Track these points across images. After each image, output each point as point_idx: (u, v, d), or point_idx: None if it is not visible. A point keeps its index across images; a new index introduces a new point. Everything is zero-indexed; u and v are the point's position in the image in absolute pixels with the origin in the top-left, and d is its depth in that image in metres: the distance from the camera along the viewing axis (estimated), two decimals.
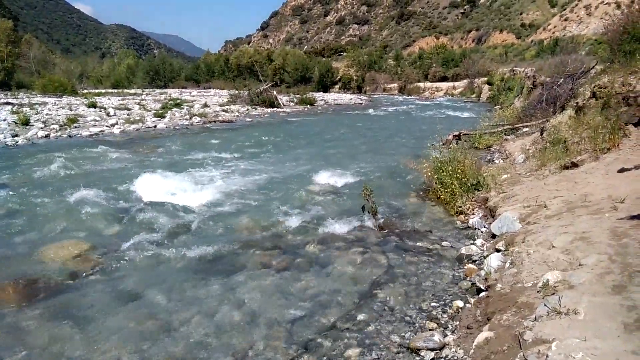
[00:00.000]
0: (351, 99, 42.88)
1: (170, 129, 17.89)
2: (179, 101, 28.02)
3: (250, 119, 22.79)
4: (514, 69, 31.80)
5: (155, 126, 18.24)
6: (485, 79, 43.07)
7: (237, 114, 24.40)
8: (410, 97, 50.24)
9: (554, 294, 3.01)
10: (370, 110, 30.02)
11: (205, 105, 26.51)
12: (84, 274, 4.81)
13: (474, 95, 44.28)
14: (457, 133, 12.73)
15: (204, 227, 6.24)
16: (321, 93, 50.33)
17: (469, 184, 7.00)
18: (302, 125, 21.08)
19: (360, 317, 3.98)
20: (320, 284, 4.64)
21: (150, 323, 3.91)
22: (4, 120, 16.32)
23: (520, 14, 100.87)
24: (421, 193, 7.87)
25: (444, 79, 59.14)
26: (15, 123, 15.84)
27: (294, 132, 18.00)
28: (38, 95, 30.81)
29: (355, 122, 22.18)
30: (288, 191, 7.97)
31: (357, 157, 11.38)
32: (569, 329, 2.55)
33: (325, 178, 8.91)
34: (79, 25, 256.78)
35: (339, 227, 6.21)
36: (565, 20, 77.96)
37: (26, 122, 16.00)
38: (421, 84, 57.13)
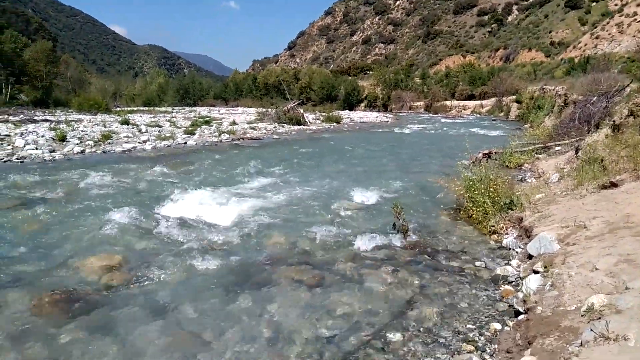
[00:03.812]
0: (377, 117, 42.92)
1: (200, 146, 18.21)
2: (208, 119, 28.59)
3: (278, 137, 23.02)
4: (544, 87, 31.32)
5: (185, 143, 18.61)
6: (514, 97, 42.54)
7: (264, 131, 24.70)
8: (436, 115, 49.91)
9: (600, 318, 2.88)
10: (397, 129, 29.94)
11: (234, 123, 26.95)
12: (118, 287, 4.87)
13: (502, 114, 43.68)
14: (487, 151, 12.55)
15: (234, 243, 6.27)
16: (347, 111, 50.57)
17: (501, 203, 6.85)
18: (328, 142, 21.16)
19: (393, 337, 3.89)
20: (351, 302, 4.58)
21: (183, 337, 3.92)
22: (42, 136, 16.94)
23: (550, 32, 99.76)
24: (452, 212, 7.74)
25: (471, 97, 58.61)
26: (53, 139, 16.43)
27: (321, 149, 18.08)
28: (74, 113, 31.96)
29: (382, 140, 22.13)
30: (317, 208, 7.96)
31: (385, 175, 11.31)
32: (619, 355, 2.43)
33: (353, 195, 8.88)
34: (114, 45, 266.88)
35: (369, 245, 6.14)
36: (597, 38, 76.67)
37: (63, 138, 16.57)
38: (448, 102, 56.73)
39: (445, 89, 62.39)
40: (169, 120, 27.01)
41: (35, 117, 25.64)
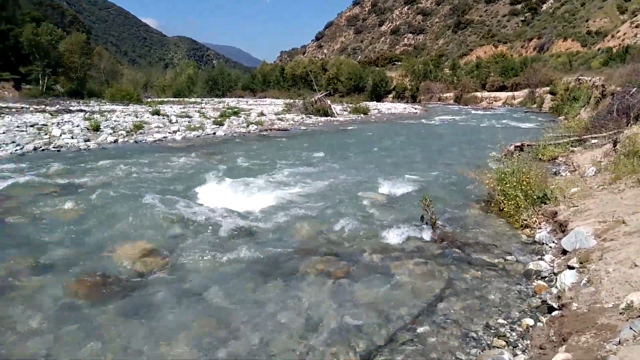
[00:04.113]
0: (405, 108, 42.45)
1: (229, 136, 18.43)
2: (236, 110, 28.86)
3: (305, 128, 23.05)
4: (580, 77, 30.28)
5: (214, 133, 18.85)
6: (548, 88, 41.33)
7: (292, 122, 24.78)
8: (466, 106, 49.00)
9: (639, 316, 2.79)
10: (426, 120, 29.53)
11: (262, 114, 27.12)
12: (151, 272, 5.00)
13: (534, 105, 42.54)
14: (519, 143, 12.24)
15: (262, 232, 6.33)
16: (374, 102, 50.20)
17: (534, 197, 6.68)
18: (356, 133, 21.07)
19: (421, 329, 3.86)
20: (378, 294, 4.57)
21: (212, 323, 3.99)
22: (78, 126, 17.45)
23: (586, 20, 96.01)
24: (482, 205, 7.60)
25: (502, 88, 57.27)
26: (88, 129, 16.91)
27: (349, 140, 18.02)
28: (107, 103, 32.79)
29: (411, 132, 21.89)
30: (344, 199, 7.95)
31: (414, 167, 11.19)
32: None
33: (381, 186, 8.82)
34: (145, 37, 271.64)
35: (397, 237, 6.10)
36: (637, 27, 73.34)
37: (97, 128, 17.04)
38: (478, 94, 55.62)
39: (476, 80, 61.14)
40: (198, 111, 27.39)
41: (71, 108, 26.42)
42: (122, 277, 4.86)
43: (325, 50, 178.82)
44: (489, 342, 3.59)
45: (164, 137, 16.95)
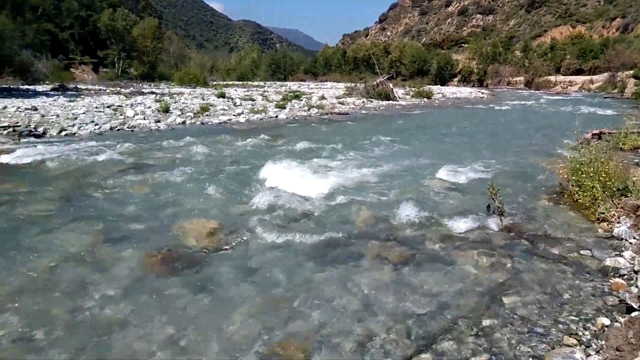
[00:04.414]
0: (471, 92, 40.89)
1: (290, 119, 18.64)
2: (298, 93, 29.10)
3: (366, 112, 22.83)
4: None
5: (276, 116, 19.14)
6: (631, 72, 38.07)
7: (352, 106, 24.62)
8: (538, 91, 46.36)
9: None
10: (494, 105, 28.26)
11: (323, 98, 27.16)
12: (215, 249, 5.18)
13: (615, 91, 39.39)
14: (597, 131, 11.40)
15: (322, 215, 6.36)
16: (438, 86, 48.77)
17: (614, 188, 6.20)
18: (418, 118, 20.58)
19: (485, 322, 3.73)
20: (439, 283, 4.46)
21: (271, 301, 4.08)
22: (149, 107, 18.39)
23: None
24: (554, 195, 7.17)
25: (579, 72, 53.50)
26: (158, 110, 17.78)
27: (411, 125, 17.64)
28: (176, 86, 34.21)
29: (477, 117, 21.06)
30: (405, 184, 7.80)
31: (480, 153, 10.76)
32: None
33: (444, 173, 8.56)
34: (212, 22, 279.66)
35: (461, 226, 5.90)
36: None
37: (166, 110, 17.86)
38: (552, 78, 52.37)
39: (550, 63, 57.49)
40: (261, 95, 27.91)
41: (143, 90, 27.88)
42: (188, 252, 5.08)
43: (388, 33, 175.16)
44: (558, 340, 3.41)
45: (229, 120, 17.44)
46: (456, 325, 3.72)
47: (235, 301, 4.05)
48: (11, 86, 26.46)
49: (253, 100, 24.15)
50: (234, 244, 5.34)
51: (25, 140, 11.84)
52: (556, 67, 56.70)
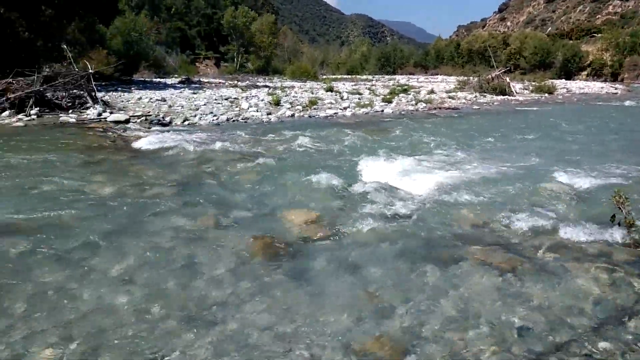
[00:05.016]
0: (602, 87, 36.75)
1: (396, 114, 18.39)
2: (405, 87, 28.58)
3: (478, 107, 21.69)
4: None
5: (382, 111, 19.02)
6: None
7: (463, 101, 23.55)
8: None
9: None
10: (630, 102, 25.11)
11: (432, 92, 26.35)
12: (313, 240, 5.32)
13: None
14: None
15: (423, 214, 6.19)
16: (563, 80, 44.52)
17: None
18: (537, 115, 19.04)
19: (602, 345, 3.35)
20: (550, 296, 4.09)
21: (367, 296, 4.08)
22: (262, 100, 19.44)
23: None
24: None
25: None
26: (270, 103, 18.71)
27: (527, 123, 16.39)
28: (287, 80, 35.63)
29: (607, 115, 18.89)
30: (516, 187, 7.27)
31: (606, 156, 9.64)
32: None
33: (561, 177, 7.80)
34: (325, 16, 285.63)
35: (578, 236, 5.34)
36: None
37: (277, 103, 18.72)
38: None
39: None
40: (368, 88, 27.90)
41: (257, 83, 29.53)
42: (289, 240, 5.28)
43: (508, 23, 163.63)
44: None
45: (335, 113, 17.74)
46: (567, 345, 3.40)
47: (330, 293, 4.12)
48: (146, 79, 29.88)
49: (360, 94, 24.23)
50: (332, 235, 5.44)
51: (155, 128, 13.23)
52: None
